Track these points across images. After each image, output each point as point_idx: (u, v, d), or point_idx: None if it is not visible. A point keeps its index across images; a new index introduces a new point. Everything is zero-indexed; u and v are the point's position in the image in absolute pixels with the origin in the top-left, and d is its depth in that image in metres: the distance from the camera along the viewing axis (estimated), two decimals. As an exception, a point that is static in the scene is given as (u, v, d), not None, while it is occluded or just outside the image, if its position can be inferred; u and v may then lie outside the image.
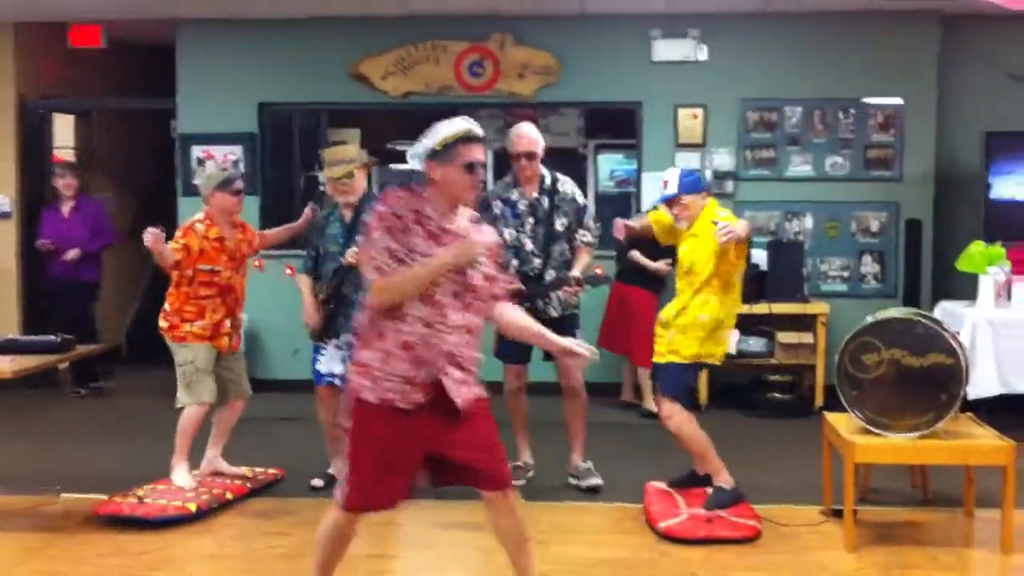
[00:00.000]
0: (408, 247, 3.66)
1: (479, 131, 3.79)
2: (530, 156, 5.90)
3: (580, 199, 6.06)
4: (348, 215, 5.88)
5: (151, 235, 5.58)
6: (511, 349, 6.07)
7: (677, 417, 5.42)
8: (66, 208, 8.76)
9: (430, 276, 3.66)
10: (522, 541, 3.98)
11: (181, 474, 5.81)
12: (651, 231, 5.79)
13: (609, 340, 7.92)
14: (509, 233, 5.94)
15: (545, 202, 5.95)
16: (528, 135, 5.95)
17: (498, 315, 3.95)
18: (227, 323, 5.93)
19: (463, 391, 3.76)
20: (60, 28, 9.11)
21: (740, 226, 5.19)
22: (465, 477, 3.86)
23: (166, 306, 5.86)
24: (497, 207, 6.00)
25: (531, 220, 5.94)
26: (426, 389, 3.70)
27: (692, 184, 5.47)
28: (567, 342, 3.92)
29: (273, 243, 6.37)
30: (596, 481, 6.00)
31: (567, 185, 6.04)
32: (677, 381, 5.46)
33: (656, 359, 5.54)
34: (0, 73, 9.16)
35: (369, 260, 3.68)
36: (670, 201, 5.49)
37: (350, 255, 5.70)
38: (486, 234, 3.79)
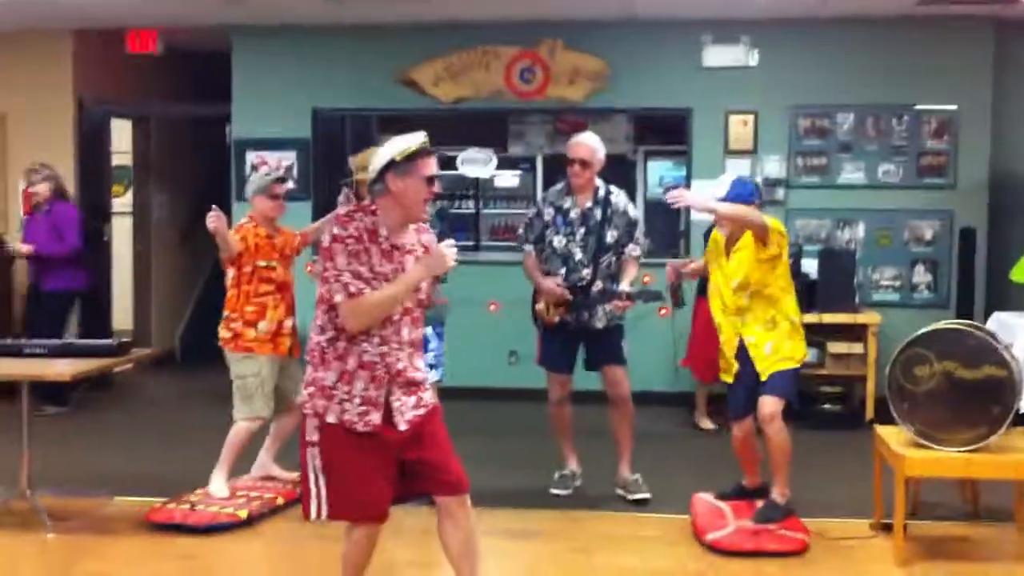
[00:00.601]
0: (370, 267, 3.70)
1: (429, 144, 3.80)
2: (584, 164, 5.92)
3: (632, 212, 6.06)
4: None
5: (214, 217, 5.64)
6: (556, 359, 6.10)
7: (779, 421, 5.35)
8: (38, 215, 8.40)
9: (405, 293, 3.73)
10: (471, 555, 3.98)
11: (218, 483, 5.83)
12: (704, 271, 5.73)
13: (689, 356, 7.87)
14: (559, 241, 5.97)
15: (597, 213, 5.96)
16: (586, 143, 5.98)
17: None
18: (288, 322, 5.96)
19: (410, 409, 3.80)
20: (118, 35, 9.25)
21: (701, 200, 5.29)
22: (425, 481, 3.87)
23: (227, 313, 5.89)
24: (548, 213, 6.03)
25: (582, 230, 5.95)
26: (381, 408, 3.75)
27: (741, 193, 5.39)
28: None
29: (314, 237, 6.34)
30: (644, 495, 5.99)
31: (620, 197, 6.04)
32: (792, 384, 5.44)
33: (768, 372, 5.37)
34: (60, 79, 9.30)
35: (336, 283, 3.67)
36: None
37: None
38: (447, 245, 3.80)
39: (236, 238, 5.82)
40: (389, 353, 3.75)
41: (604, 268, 5.95)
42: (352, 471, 3.77)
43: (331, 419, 3.75)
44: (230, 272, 5.90)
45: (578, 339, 6.03)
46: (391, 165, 3.74)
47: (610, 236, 5.96)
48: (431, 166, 3.77)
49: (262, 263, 5.86)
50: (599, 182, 6.03)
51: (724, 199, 5.33)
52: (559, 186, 6.15)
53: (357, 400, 3.74)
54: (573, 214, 5.98)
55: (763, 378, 5.37)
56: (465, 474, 3.94)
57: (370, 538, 3.97)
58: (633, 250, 6.00)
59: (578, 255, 5.95)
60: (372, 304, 3.68)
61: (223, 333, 5.90)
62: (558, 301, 5.91)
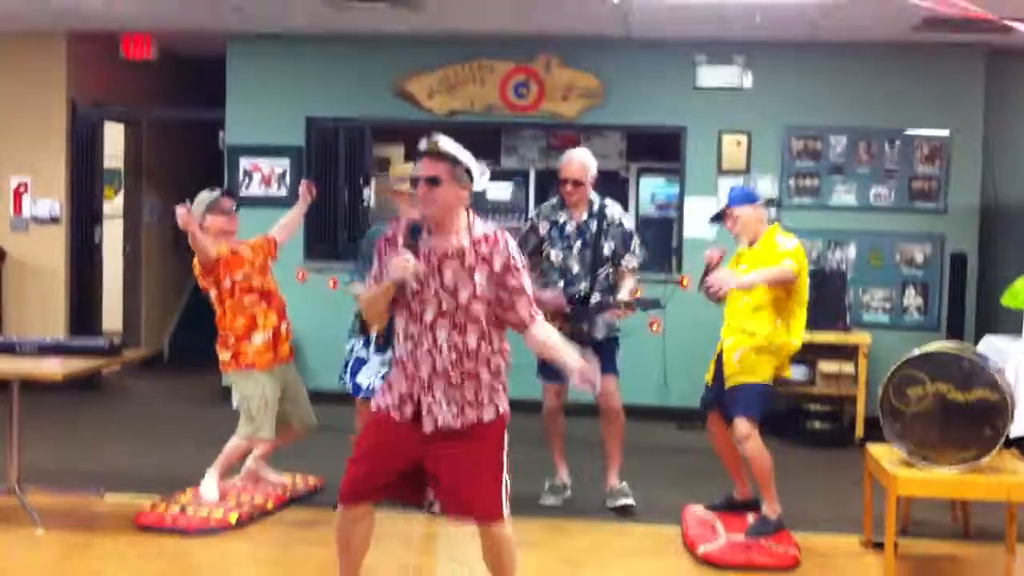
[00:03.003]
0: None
1: (424, 145, 3.88)
2: (576, 183, 5.96)
3: (628, 224, 6.09)
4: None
5: (183, 212, 5.52)
6: (551, 369, 6.09)
7: (755, 439, 5.40)
8: None
9: (378, 293, 3.86)
10: (500, 574, 4.08)
11: (209, 486, 5.78)
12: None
13: None
14: (556, 254, 5.99)
15: (593, 226, 5.98)
16: (578, 161, 6.00)
17: (530, 336, 3.99)
18: (283, 326, 5.89)
19: (444, 413, 3.84)
20: (112, 37, 9.23)
21: (730, 280, 5.31)
22: (450, 503, 3.98)
23: (220, 333, 5.79)
24: (543, 227, 6.05)
25: (579, 243, 5.98)
26: (414, 405, 3.87)
27: (740, 196, 5.59)
28: (580, 366, 3.91)
29: (291, 230, 6.24)
30: (626, 501, 5.98)
31: (615, 209, 6.07)
32: (757, 402, 5.44)
33: (729, 383, 5.49)
34: (53, 80, 9.26)
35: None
36: (723, 216, 5.60)
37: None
38: (400, 256, 3.79)
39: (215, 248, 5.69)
40: (419, 353, 3.84)
41: (602, 280, 5.97)
42: (363, 443, 3.98)
43: (376, 404, 3.99)
44: (211, 293, 5.79)
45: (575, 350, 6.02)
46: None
47: (607, 248, 5.99)
48: (418, 168, 3.90)
49: (238, 276, 5.75)
50: (593, 195, 6.06)
51: (727, 205, 5.56)
52: (553, 200, 6.17)
53: (395, 393, 3.92)
54: (569, 228, 6.00)
55: (726, 386, 5.48)
56: (488, 505, 3.90)
57: (351, 519, 4.03)
58: (630, 261, 6.02)
59: (575, 268, 5.97)
60: (363, 300, 4.04)
61: (222, 356, 5.81)
62: (555, 314, 5.93)
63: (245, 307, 5.77)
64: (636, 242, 6.07)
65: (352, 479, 3.97)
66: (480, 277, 3.84)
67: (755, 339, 5.40)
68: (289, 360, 5.96)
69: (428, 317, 3.83)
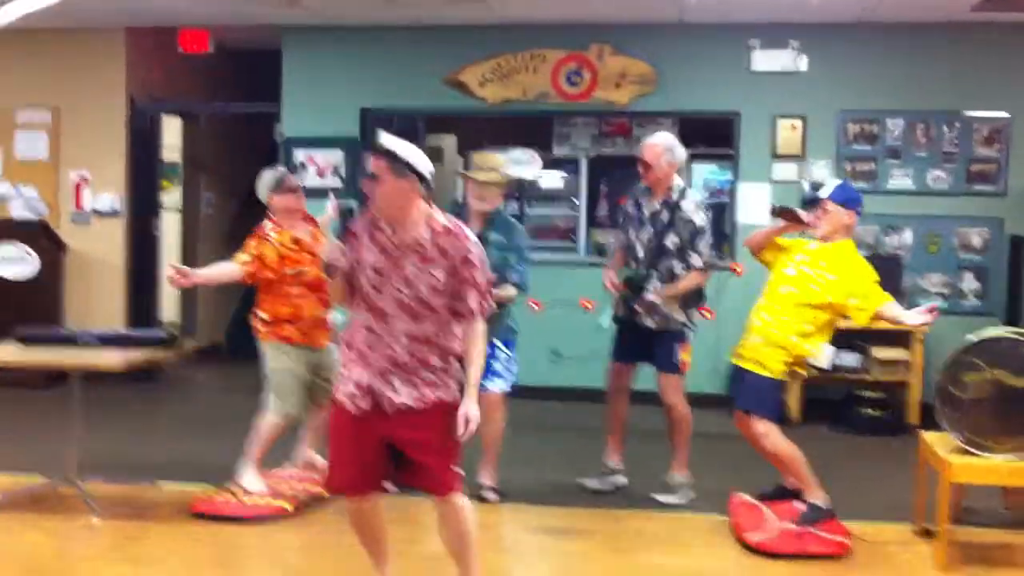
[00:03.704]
0: (359, 259, 3.96)
1: (375, 143, 3.96)
2: (645, 165, 5.95)
3: (698, 220, 5.92)
4: (477, 226, 5.55)
5: (178, 279, 5.64)
6: (615, 347, 6.13)
7: (773, 435, 5.35)
8: None
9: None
10: (462, 551, 4.14)
11: (251, 479, 5.79)
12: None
13: None
14: (632, 236, 6.05)
15: (664, 216, 5.95)
16: (651, 145, 6.00)
17: (467, 328, 3.99)
18: (328, 318, 5.87)
19: (404, 397, 3.93)
20: (169, 32, 9.36)
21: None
22: (414, 476, 4.05)
23: (261, 314, 5.83)
24: (631, 208, 6.10)
25: (650, 230, 5.97)
26: (369, 395, 3.95)
27: (846, 196, 5.38)
28: (461, 416, 3.91)
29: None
30: (666, 498, 5.96)
31: (689, 203, 5.95)
32: (768, 397, 5.39)
33: (739, 362, 5.47)
34: (112, 76, 9.42)
35: None
36: (814, 202, 5.45)
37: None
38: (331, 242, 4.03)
39: (246, 258, 5.72)
40: (377, 342, 3.93)
41: (664, 272, 5.93)
42: (333, 445, 4.09)
43: (337, 396, 4.06)
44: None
45: (640, 336, 6.02)
46: None
47: (670, 241, 5.93)
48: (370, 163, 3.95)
49: (290, 271, 5.74)
50: (677, 184, 6.00)
51: (826, 196, 5.36)
52: (644, 183, 6.13)
53: (352, 384, 3.98)
54: (646, 213, 6.00)
55: (739, 361, 5.45)
56: (448, 477, 4.03)
57: (357, 511, 4.17)
58: (692, 259, 5.93)
59: (640, 253, 5.98)
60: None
61: (258, 325, 5.85)
62: (621, 293, 5.98)
63: (291, 297, 5.78)
64: (704, 241, 5.93)
65: (343, 477, 4.09)
66: (440, 270, 3.90)
67: (776, 336, 5.32)
68: (322, 347, 5.88)
69: (388, 309, 3.92)
